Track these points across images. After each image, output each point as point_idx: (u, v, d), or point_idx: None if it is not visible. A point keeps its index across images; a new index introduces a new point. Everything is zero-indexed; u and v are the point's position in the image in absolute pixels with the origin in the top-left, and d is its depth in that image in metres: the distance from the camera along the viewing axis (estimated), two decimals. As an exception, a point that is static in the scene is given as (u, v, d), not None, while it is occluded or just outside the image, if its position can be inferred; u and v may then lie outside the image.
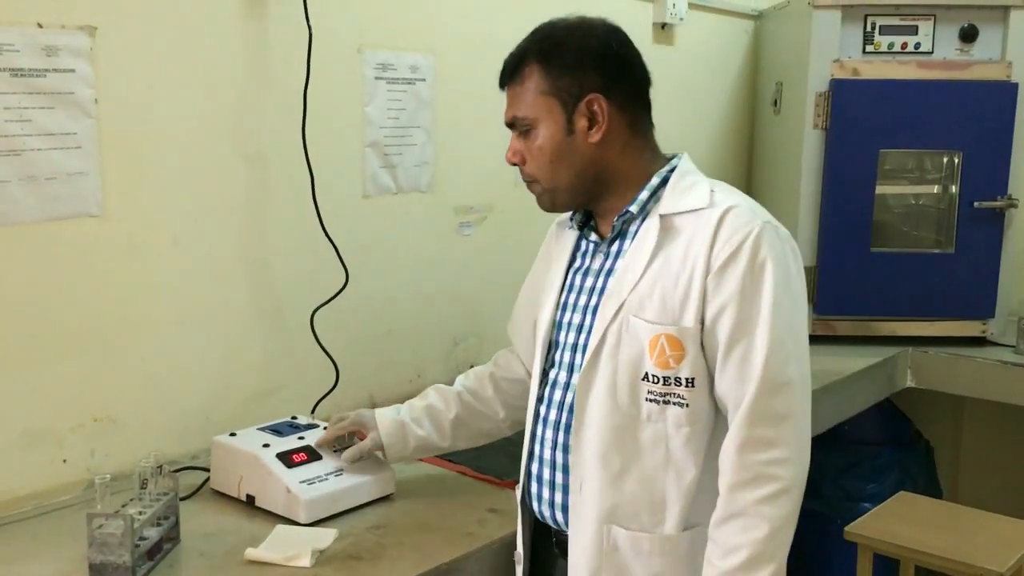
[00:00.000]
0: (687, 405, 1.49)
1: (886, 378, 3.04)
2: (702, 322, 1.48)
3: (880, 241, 3.10)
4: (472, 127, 2.61)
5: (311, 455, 1.89)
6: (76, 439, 1.94)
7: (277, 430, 1.97)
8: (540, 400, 1.65)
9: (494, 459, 2.09)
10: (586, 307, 1.60)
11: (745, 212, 1.51)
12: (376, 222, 2.43)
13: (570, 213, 1.68)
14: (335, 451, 1.90)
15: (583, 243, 1.67)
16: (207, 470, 1.99)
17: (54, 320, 1.90)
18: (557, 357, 1.64)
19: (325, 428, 1.97)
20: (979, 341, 3.12)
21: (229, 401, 2.18)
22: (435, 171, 2.55)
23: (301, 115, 2.18)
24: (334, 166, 2.30)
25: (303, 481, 1.82)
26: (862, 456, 3.33)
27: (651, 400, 1.51)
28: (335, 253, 2.25)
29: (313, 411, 2.23)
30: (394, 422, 1.90)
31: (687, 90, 3.36)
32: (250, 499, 1.87)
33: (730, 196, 1.55)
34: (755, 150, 3.70)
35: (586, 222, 1.67)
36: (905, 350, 3.09)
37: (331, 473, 1.86)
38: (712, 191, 1.55)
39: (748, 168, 3.72)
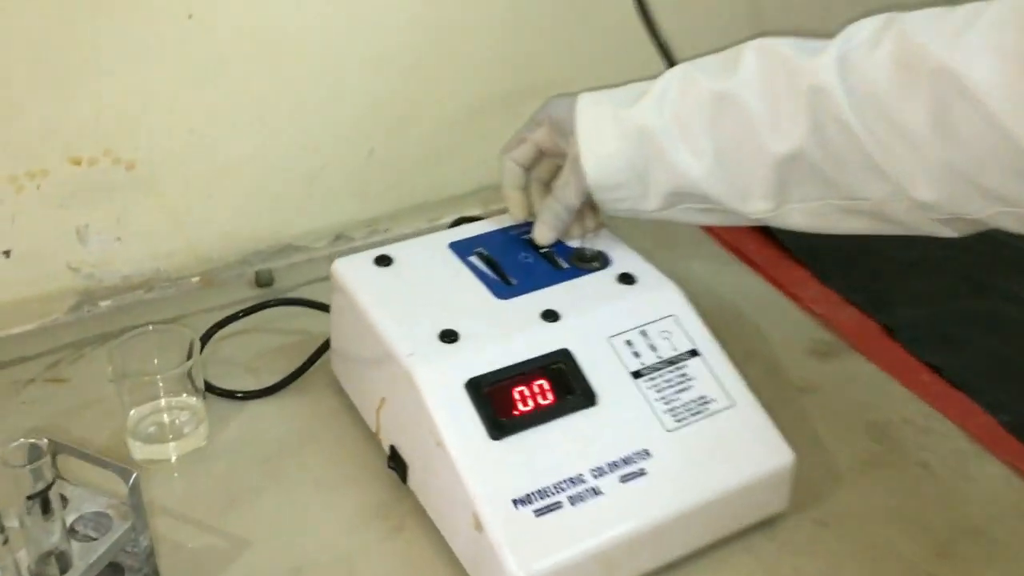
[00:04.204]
0: None
1: None
2: None
3: None
4: None
5: (560, 386, 0.65)
6: (48, 193, 0.81)
7: (499, 261, 0.73)
8: None
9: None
10: None
11: None
12: None
13: None
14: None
15: None
16: (316, 307, 0.82)
17: None
18: None
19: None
20: None
21: (413, 124, 0.94)
22: None
23: None
24: None
25: (525, 501, 0.60)
26: None
27: None
28: None
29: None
30: (613, 124, 0.70)
31: None
32: (395, 456, 0.69)
33: None
34: None
35: None
36: None
37: (630, 466, 0.63)
38: None
39: None
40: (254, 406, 0.77)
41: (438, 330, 0.66)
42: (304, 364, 0.79)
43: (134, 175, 0.82)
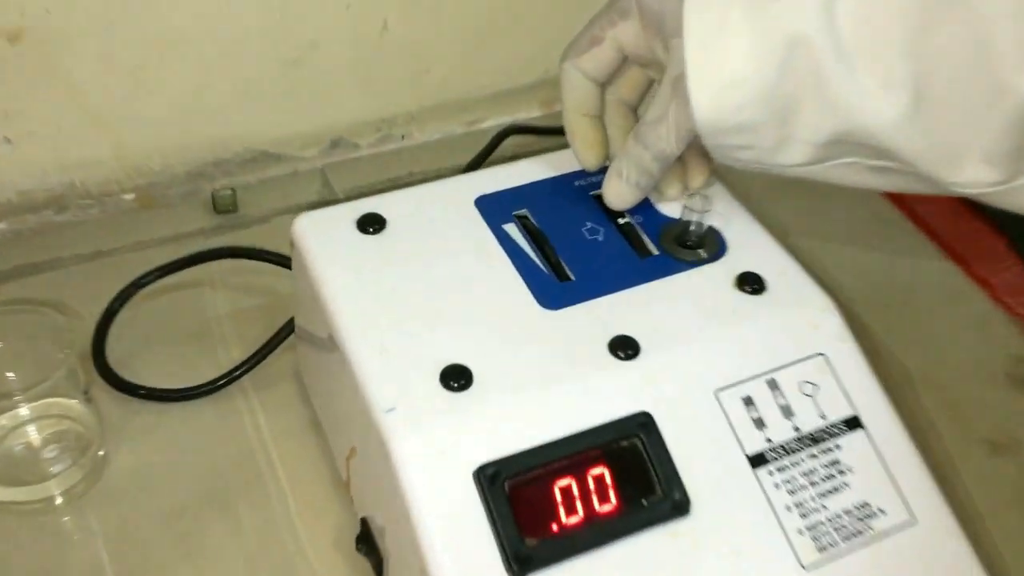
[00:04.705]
0: None
1: None
2: None
3: None
4: None
5: (631, 480, 0.39)
6: None
7: (549, 236, 0.46)
8: None
9: None
10: None
11: None
12: None
13: None
14: None
15: None
16: (284, 264, 0.55)
17: None
18: None
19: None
20: None
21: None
22: None
23: None
24: None
25: None
26: None
27: None
28: None
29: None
30: (745, 28, 0.41)
31: None
32: (367, 537, 0.45)
33: None
34: None
35: None
36: None
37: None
38: None
39: None
40: (179, 412, 0.52)
41: (440, 365, 0.40)
42: (260, 349, 0.54)
43: (22, 49, 0.56)
